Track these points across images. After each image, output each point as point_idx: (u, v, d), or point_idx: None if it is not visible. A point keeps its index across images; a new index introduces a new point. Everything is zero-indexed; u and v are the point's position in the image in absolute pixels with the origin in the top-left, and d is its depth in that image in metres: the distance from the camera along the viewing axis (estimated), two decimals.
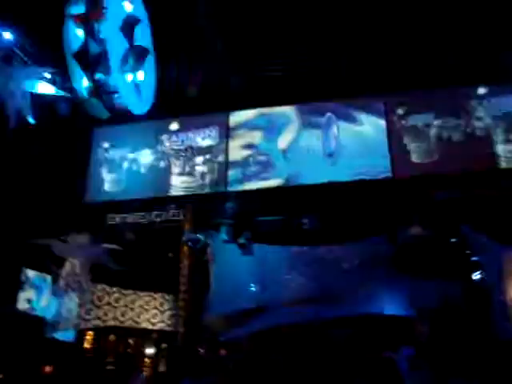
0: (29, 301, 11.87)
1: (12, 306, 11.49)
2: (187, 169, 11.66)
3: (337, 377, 10.11)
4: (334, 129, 11.36)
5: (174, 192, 11.57)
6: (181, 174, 11.66)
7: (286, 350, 11.28)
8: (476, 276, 11.20)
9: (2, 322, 10.79)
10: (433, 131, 10.91)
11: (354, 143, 11.18)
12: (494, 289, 10.22)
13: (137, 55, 8.17)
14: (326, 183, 10.91)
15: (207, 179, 11.50)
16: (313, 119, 11.54)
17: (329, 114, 11.46)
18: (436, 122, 10.94)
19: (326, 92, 11.43)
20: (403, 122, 11.13)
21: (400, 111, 11.20)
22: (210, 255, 11.38)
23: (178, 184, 11.59)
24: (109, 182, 12.01)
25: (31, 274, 12.12)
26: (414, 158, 10.83)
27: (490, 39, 10.53)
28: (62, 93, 9.45)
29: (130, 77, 8.19)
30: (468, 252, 11.08)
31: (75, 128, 11.61)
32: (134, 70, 8.19)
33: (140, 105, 8.76)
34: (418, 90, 11.11)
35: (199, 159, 11.71)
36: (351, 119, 11.37)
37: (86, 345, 12.87)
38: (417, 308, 10.72)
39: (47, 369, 11.56)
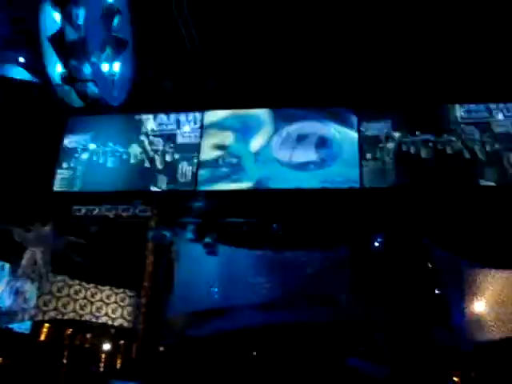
0: None
1: None
2: (159, 165, 11.61)
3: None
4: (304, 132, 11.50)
5: (142, 187, 11.51)
6: (152, 169, 11.62)
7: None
8: (436, 289, 11.38)
9: None
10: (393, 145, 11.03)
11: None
12: (453, 301, 10.43)
13: (114, 45, 8.13)
14: (295, 189, 10.99)
15: (177, 177, 11.47)
16: (287, 125, 11.59)
17: (303, 121, 11.58)
18: (398, 136, 11.07)
19: (301, 98, 11.54)
20: (366, 132, 11.27)
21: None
22: (174, 253, 11.32)
23: (147, 179, 11.54)
24: (76, 173, 11.85)
25: None
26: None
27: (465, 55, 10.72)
28: (34, 78, 9.27)
29: (105, 66, 8.12)
30: (430, 265, 11.28)
31: (48, 116, 11.44)
32: (111, 60, 8.13)
33: (114, 96, 8.67)
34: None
35: (170, 156, 11.68)
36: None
37: (42, 337, 12.60)
38: (375, 317, 10.87)
39: None
